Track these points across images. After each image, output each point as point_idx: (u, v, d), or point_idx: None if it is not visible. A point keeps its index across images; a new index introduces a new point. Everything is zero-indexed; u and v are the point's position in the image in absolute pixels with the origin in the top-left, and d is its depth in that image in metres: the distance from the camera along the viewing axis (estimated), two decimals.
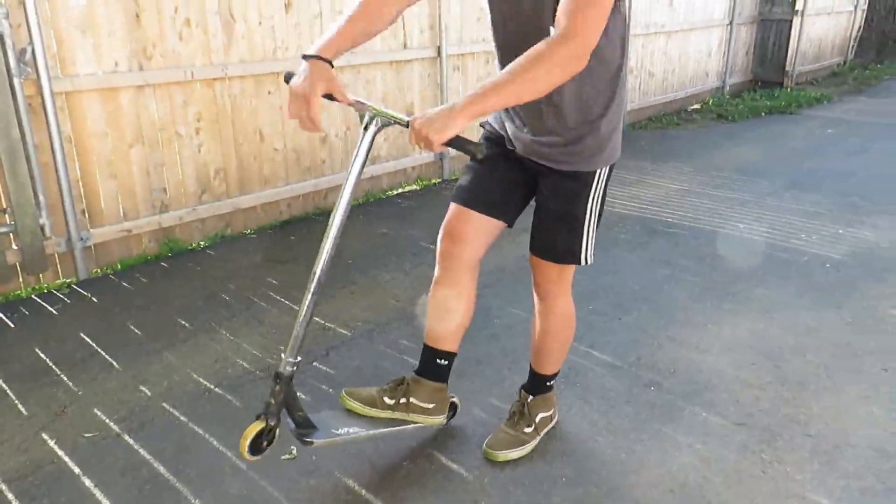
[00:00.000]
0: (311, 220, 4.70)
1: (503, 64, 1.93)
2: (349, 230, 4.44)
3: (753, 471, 2.20)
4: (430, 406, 2.18)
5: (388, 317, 3.26)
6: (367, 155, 1.84)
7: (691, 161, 6.17)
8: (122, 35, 3.66)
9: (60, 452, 2.33)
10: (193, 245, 4.22)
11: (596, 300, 3.39)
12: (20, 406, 2.59)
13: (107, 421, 2.49)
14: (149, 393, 2.67)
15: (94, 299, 3.50)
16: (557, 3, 1.65)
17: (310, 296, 1.90)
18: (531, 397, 2.33)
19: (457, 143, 1.62)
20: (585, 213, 2.00)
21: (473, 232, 2.08)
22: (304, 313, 1.92)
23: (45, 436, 2.42)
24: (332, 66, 1.75)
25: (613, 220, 4.57)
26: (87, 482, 2.18)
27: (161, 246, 4.09)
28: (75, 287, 3.65)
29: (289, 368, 1.91)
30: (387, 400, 2.14)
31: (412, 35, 5.15)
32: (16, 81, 3.29)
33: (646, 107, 7.93)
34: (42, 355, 2.95)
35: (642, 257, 3.95)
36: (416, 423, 2.18)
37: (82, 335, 3.12)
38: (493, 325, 3.12)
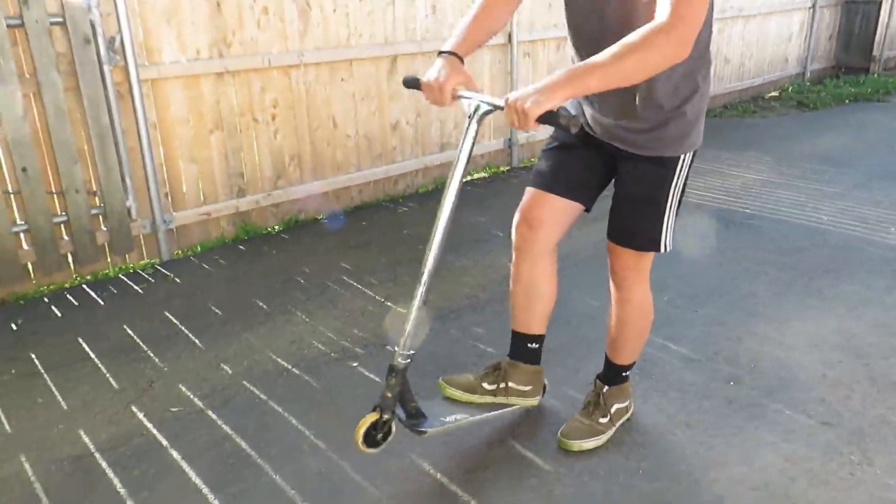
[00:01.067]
0: (382, 207, 4.74)
1: (581, 58, 1.91)
2: (420, 217, 4.47)
3: (841, 473, 2.12)
4: (528, 388, 2.24)
5: (459, 303, 3.27)
6: (472, 144, 1.88)
7: (770, 150, 5.95)
8: (204, 23, 3.76)
9: (149, 425, 2.43)
10: (268, 229, 4.32)
11: (671, 291, 3.32)
12: (111, 380, 2.72)
13: (191, 397, 2.59)
14: (230, 371, 2.75)
15: (177, 280, 3.63)
16: None
17: (421, 289, 1.93)
18: (606, 388, 2.30)
19: (551, 117, 1.60)
20: (667, 199, 1.96)
21: (551, 216, 2.06)
22: (416, 306, 1.93)
23: (134, 409, 2.53)
24: (463, 63, 1.88)
25: (689, 210, 4.46)
26: (174, 454, 2.27)
27: (238, 229, 4.20)
28: (158, 267, 3.79)
29: (403, 361, 1.95)
30: (486, 385, 2.21)
31: None
32: (105, 69, 3.42)
33: (721, 94, 7.68)
34: (130, 332, 3.08)
35: (719, 249, 3.84)
36: (514, 405, 2.24)
37: (166, 314, 3.25)
38: (566, 313, 3.08)
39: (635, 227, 2.01)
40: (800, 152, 5.85)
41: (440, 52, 1.88)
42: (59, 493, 2.11)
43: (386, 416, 1.98)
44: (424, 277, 1.93)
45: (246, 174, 4.16)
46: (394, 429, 2.05)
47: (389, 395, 1.96)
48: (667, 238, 2.01)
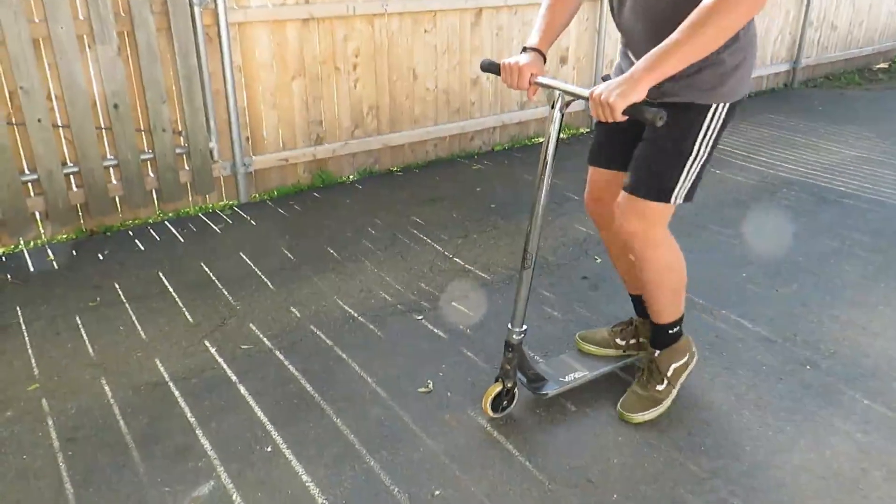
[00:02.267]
0: (456, 162, 4.71)
1: (628, 47, 1.97)
2: (493, 175, 4.42)
3: None
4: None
5: None
6: (558, 134, 1.91)
7: (873, 125, 5.56)
8: None
9: (220, 360, 2.52)
10: (343, 178, 4.37)
11: (750, 267, 3.18)
12: (187, 314, 2.83)
13: (261, 336, 2.67)
14: (298, 315, 2.82)
15: (253, 222, 3.73)
16: None
17: (525, 272, 2.03)
18: (657, 352, 2.24)
19: (637, 109, 1.60)
20: (692, 150, 1.87)
21: (609, 188, 2.13)
22: (523, 289, 2.04)
23: (207, 343, 2.63)
24: (545, 58, 1.95)
25: (777, 184, 4.24)
26: (243, 389, 2.36)
27: (314, 177, 4.26)
28: (237, 209, 3.90)
29: (517, 338, 2.08)
30: (619, 341, 2.38)
31: None
32: (196, 11, 3.48)
33: (823, 63, 7.21)
34: (206, 269, 3.20)
35: (808, 226, 3.64)
36: (641, 357, 2.35)
37: (241, 254, 3.34)
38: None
39: (651, 173, 1.91)
40: None
41: (523, 49, 1.95)
42: (134, 417, 2.23)
43: (509, 385, 2.15)
44: (529, 262, 2.03)
45: (324, 122, 4.19)
46: (517, 393, 2.20)
47: (508, 367, 2.11)
48: (679, 190, 1.91)
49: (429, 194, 4.13)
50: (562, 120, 1.88)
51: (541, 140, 5.22)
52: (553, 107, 1.86)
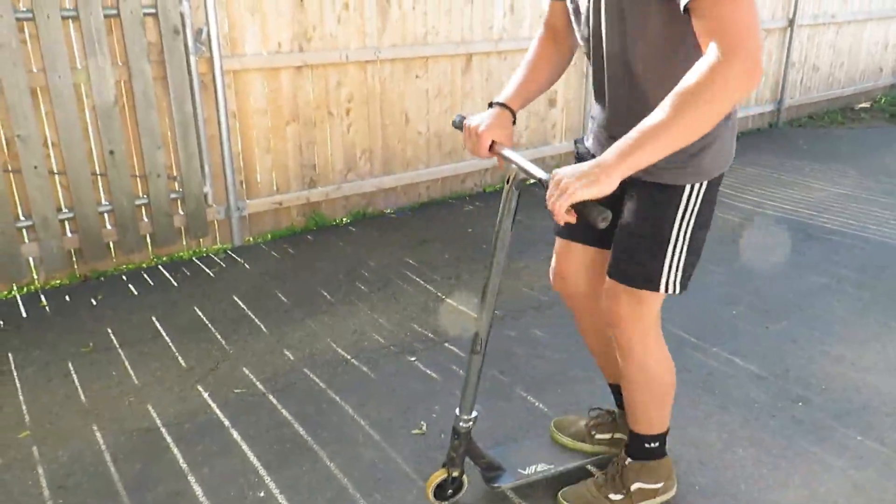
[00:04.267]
0: (448, 204, 4.76)
1: (598, 97, 1.74)
2: (485, 216, 4.47)
3: None
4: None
5: (520, 305, 3.25)
6: (514, 214, 1.70)
7: (856, 163, 5.67)
8: (287, 18, 3.86)
9: (213, 404, 2.52)
10: (337, 221, 4.41)
11: (741, 305, 3.21)
12: (180, 358, 2.83)
13: (254, 380, 2.67)
14: (292, 357, 2.82)
15: (247, 265, 3.75)
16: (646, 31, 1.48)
17: (475, 357, 1.84)
18: (629, 460, 1.95)
19: (581, 206, 1.36)
20: (670, 235, 1.65)
21: (581, 266, 1.91)
22: (472, 374, 1.85)
23: (200, 387, 2.62)
24: (515, 117, 1.75)
25: (765, 222, 4.30)
26: (235, 434, 2.35)
27: (308, 220, 4.30)
28: (230, 253, 3.92)
29: (464, 426, 1.89)
30: (597, 436, 2.12)
31: None
32: (192, 59, 3.56)
33: (806, 103, 7.37)
34: (200, 313, 3.20)
35: (796, 263, 3.69)
36: (615, 455, 2.07)
37: (235, 298, 3.35)
38: None
39: (631, 260, 1.70)
40: (887, 166, 5.55)
41: (490, 104, 1.75)
42: (126, 463, 2.21)
43: (455, 473, 1.96)
44: (478, 347, 1.82)
45: (318, 166, 4.25)
46: (465, 483, 2.02)
47: (454, 454, 1.93)
48: (671, 278, 1.69)
49: (421, 236, 4.17)
50: (518, 199, 1.67)
51: (532, 181, 5.28)
52: (508, 182, 1.66)
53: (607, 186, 1.34)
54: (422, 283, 3.51)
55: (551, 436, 2.19)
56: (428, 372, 2.71)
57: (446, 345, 2.90)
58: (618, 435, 2.13)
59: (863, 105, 8.02)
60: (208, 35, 3.58)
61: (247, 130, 3.93)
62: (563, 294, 1.99)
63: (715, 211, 1.74)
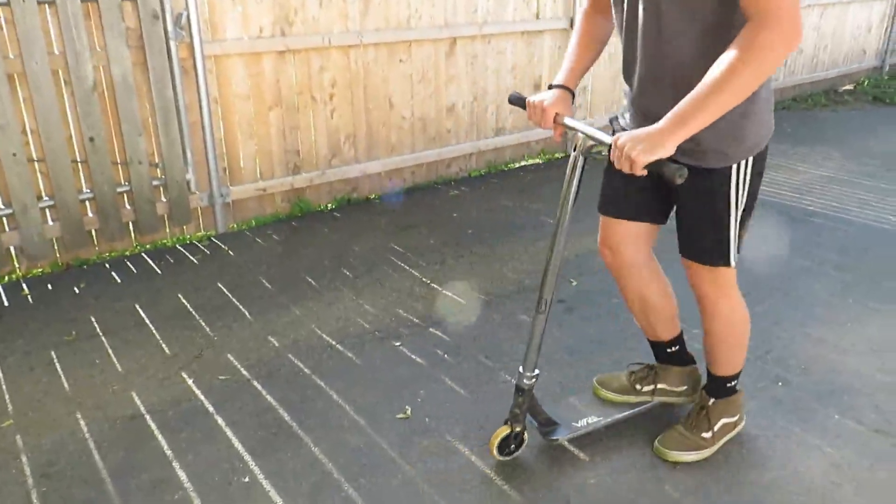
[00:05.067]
0: (434, 189, 4.76)
1: (627, 75, 1.88)
2: (470, 201, 4.47)
3: (892, 481, 2.04)
4: (682, 388, 2.26)
5: (505, 289, 3.26)
6: (580, 178, 1.84)
7: (840, 146, 5.71)
8: (269, 2, 3.81)
9: (197, 391, 2.52)
10: (321, 207, 4.39)
11: None
12: (164, 346, 2.82)
13: (238, 366, 2.67)
14: (276, 344, 2.82)
15: (231, 252, 3.73)
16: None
17: (539, 316, 1.97)
18: (712, 400, 2.15)
19: (659, 165, 1.51)
20: (729, 212, 1.82)
21: (624, 238, 2.05)
22: (536, 334, 1.99)
23: (184, 374, 2.62)
24: (574, 94, 1.93)
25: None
26: (220, 420, 2.35)
27: (292, 206, 4.28)
28: (214, 240, 3.90)
29: (528, 382, 2.02)
30: (639, 387, 2.28)
31: (545, 5, 5.04)
32: (172, 44, 3.52)
33: (790, 86, 7.40)
34: (184, 301, 3.19)
35: (779, 246, 3.72)
36: (668, 401, 2.30)
37: (219, 285, 3.34)
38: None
39: (702, 242, 1.89)
40: (871, 149, 5.59)
41: (550, 86, 1.93)
42: (110, 450, 2.21)
43: (517, 429, 2.08)
44: (543, 307, 1.96)
45: (302, 152, 4.23)
46: (526, 437, 2.14)
47: (518, 411, 2.05)
48: (734, 249, 1.88)
49: (406, 221, 4.16)
50: (584, 165, 1.82)
51: (516, 165, 5.29)
52: (575, 149, 1.81)
53: (665, 151, 1.51)
54: (407, 268, 3.51)
55: (595, 392, 2.34)
56: (413, 357, 2.72)
57: (431, 330, 2.91)
58: (661, 385, 2.29)
59: (846, 87, 8.07)
60: (188, 20, 3.54)
61: (229, 116, 3.90)
62: (608, 263, 2.14)
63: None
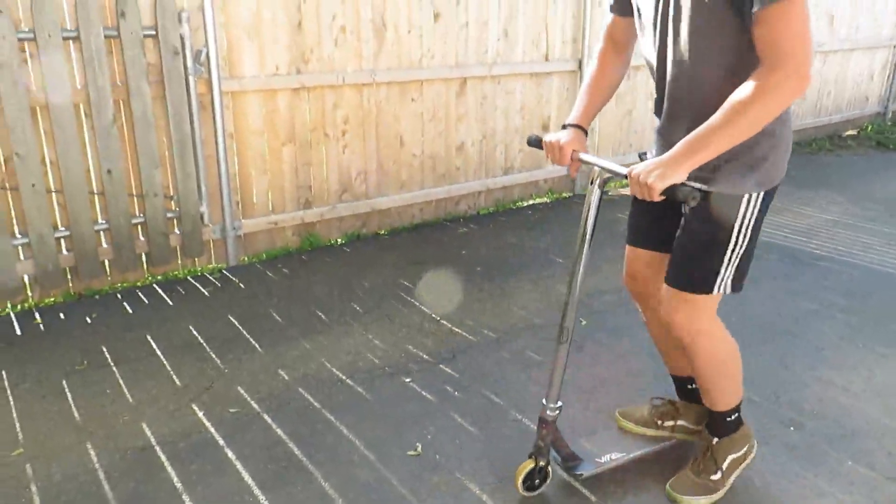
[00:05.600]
0: (442, 226, 4.80)
1: (657, 109, 1.96)
2: (479, 238, 4.50)
3: None
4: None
5: (514, 326, 3.28)
6: (598, 209, 1.91)
7: (844, 190, 5.76)
8: (285, 41, 3.91)
9: (207, 423, 2.52)
10: (332, 241, 4.43)
11: (732, 330, 3.23)
12: (175, 377, 2.83)
13: (248, 399, 2.67)
14: (286, 377, 2.83)
15: (242, 285, 3.76)
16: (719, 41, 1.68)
17: (562, 346, 2.01)
18: (716, 440, 2.14)
19: (675, 191, 1.60)
20: (729, 240, 1.86)
21: (648, 268, 2.12)
22: (559, 364, 2.02)
23: (194, 406, 2.62)
24: (587, 133, 2.01)
25: (757, 248, 4.35)
26: (230, 453, 2.35)
27: (302, 240, 4.32)
28: (225, 272, 3.93)
29: (551, 414, 2.04)
30: (659, 422, 2.32)
31: (554, 47, 5.15)
32: (191, 80, 3.60)
33: (795, 130, 7.49)
34: (195, 332, 3.21)
35: (786, 289, 3.74)
36: (687, 439, 2.32)
37: (230, 317, 3.36)
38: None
39: (693, 266, 1.91)
40: (875, 194, 5.64)
41: (564, 126, 2.01)
42: (120, 481, 2.20)
43: (542, 463, 2.09)
44: (564, 336, 2.00)
45: (313, 187, 4.28)
46: (550, 472, 2.15)
47: (542, 444, 2.07)
48: (723, 279, 1.90)
49: (415, 257, 4.19)
50: (601, 196, 1.88)
51: (524, 204, 5.34)
52: (592, 183, 1.87)
53: (678, 177, 1.61)
54: (415, 303, 3.53)
55: (617, 423, 2.39)
56: (423, 393, 2.72)
57: (441, 366, 2.92)
58: (680, 422, 2.32)
59: (850, 133, 8.16)
60: (207, 56, 3.63)
61: (244, 151, 3.96)
62: (631, 291, 2.21)
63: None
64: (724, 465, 2.13)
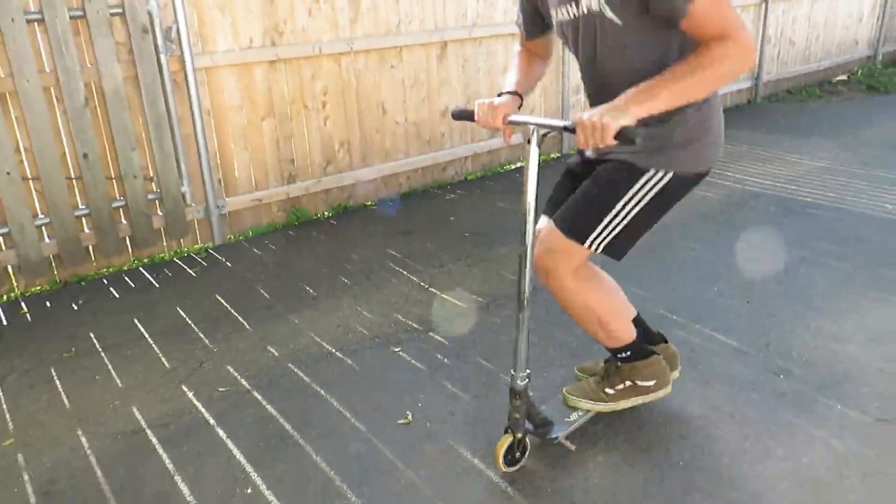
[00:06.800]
0: (430, 193, 4.76)
1: (587, 94, 1.99)
2: (467, 204, 4.47)
3: None
4: (652, 383, 2.20)
5: (502, 291, 3.26)
6: (538, 167, 1.85)
7: (835, 136, 5.71)
8: (258, 13, 3.82)
9: (198, 404, 2.51)
10: (318, 215, 4.39)
11: (721, 281, 3.23)
12: (164, 360, 2.82)
13: (238, 377, 2.66)
14: (276, 353, 2.82)
15: (228, 264, 3.73)
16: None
17: (522, 314, 1.95)
18: (619, 363, 2.19)
19: (628, 132, 1.57)
20: (614, 205, 1.87)
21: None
22: (521, 330, 1.96)
23: (184, 388, 2.61)
24: (522, 100, 1.98)
25: (745, 198, 4.32)
26: (221, 433, 2.34)
27: (288, 215, 4.28)
28: (211, 251, 3.90)
29: (521, 384, 2.00)
30: (608, 391, 2.22)
31: None
32: (162, 58, 3.52)
33: (784, 78, 7.40)
34: (182, 313, 3.19)
35: (776, 238, 3.71)
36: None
37: (217, 297, 3.34)
38: None
39: (574, 209, 1.93)
40: (866, 139, 5.59)
41: (499, 94, 1.97)
42: (112, 466, 2.20)
43: (519, 436, 2.06)
44: (523, 303, 1.95)
45: (296, 161, 4.23)
46: (528, 444, 2.11)
47: (517, 415, 2.03)
48: (598, 239, 1.90)
49: (403, 226, 4.16)
50: (539, 154, 1.83)
51: (513, 167, 5.29)
52: (529, 142, 1.82)
53: (629, 118, 1.58)
54: (405, 273, 3.50)
55: (566, 403, 2.28)
56: (413, 362, 2.71)
57: (431, 334, 2.91)
58: (629, 383, 2.26)
59: (840, 78, 8.07)
60: (178, 33, 3.55)
61: (222, 128, 3.90)
62: (540, 268, 2.08)
63: (672, 207, 1.93)
64: (621, 386, 2.19)
